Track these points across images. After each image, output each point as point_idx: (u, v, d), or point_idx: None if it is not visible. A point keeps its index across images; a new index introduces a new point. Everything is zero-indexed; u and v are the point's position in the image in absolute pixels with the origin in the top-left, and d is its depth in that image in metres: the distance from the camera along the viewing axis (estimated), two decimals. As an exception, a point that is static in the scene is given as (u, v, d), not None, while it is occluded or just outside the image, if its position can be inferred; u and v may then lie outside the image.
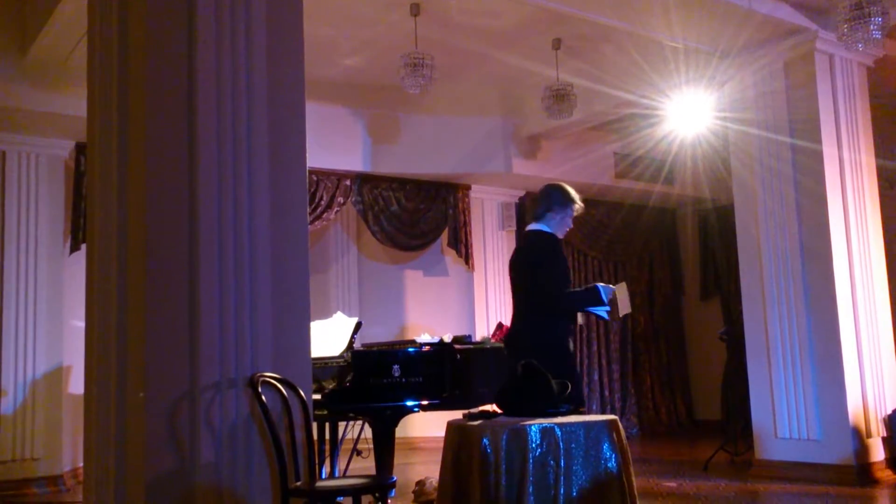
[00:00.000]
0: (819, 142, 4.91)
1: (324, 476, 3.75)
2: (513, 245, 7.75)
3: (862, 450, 4.68)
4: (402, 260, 7.42)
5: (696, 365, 8.76)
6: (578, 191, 3.65)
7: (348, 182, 6.84)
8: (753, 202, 5.17)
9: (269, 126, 2.77)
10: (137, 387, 2.52)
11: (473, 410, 3.02)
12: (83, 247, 5.21)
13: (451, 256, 7.46)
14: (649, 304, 8.61)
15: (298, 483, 2.60)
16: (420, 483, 4.47)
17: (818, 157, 4.91)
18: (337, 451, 4.11)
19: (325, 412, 3.48)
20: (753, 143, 5.20)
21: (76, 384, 5.66)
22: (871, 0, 4.13)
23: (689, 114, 5.96)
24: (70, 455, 5.64)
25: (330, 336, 3.79)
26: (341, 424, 4.13)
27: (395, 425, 3.41)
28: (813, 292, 4.85)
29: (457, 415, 3.03)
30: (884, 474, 4.72)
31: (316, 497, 2.55)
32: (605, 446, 2.68)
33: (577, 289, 3.58)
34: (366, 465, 4.03)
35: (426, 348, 3.56)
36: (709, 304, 8.63)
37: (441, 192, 7.30)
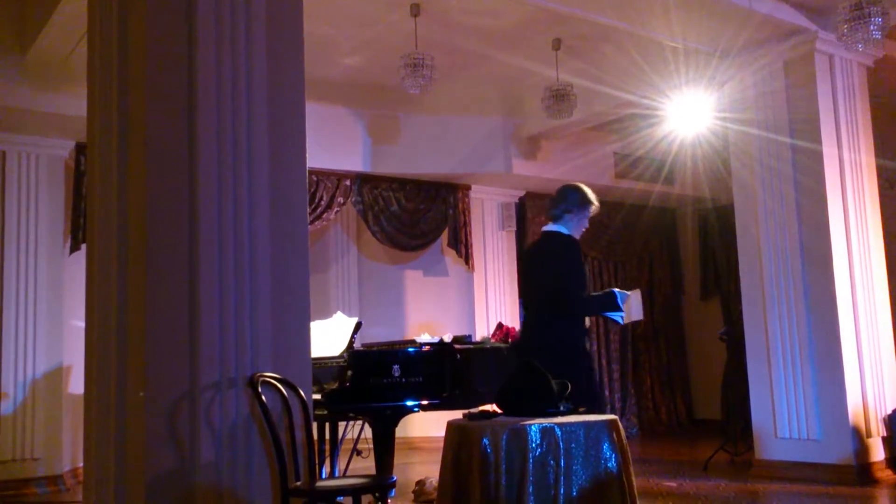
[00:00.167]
0: (819, 142, 4.91)
1: (324, 476, 3.75)
2: (513, 245, 7.76)
3: (862, 450, 4.68)
4: (402, 260, 7.42)
5: (696, 365, 8.76)
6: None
7: (348, 182, 6.84)
8: (753, 202, 5.17)
9: (270, 126, 2.77)
10: (137, 387, 2.52)
11: (473, 410, 3.02)
12: (83, 247, 5.20)
13: (451, 257, 7.46)
14: (649, 304, 8.60)
15: (298, 483, 2.60)
16: (420, 483, 4.48)
17: (818, 158, 4.91)
18: (337, 450, 4.11)
19: (325, 412, 3.48)
20: (753, 143, 5.20)
21: (76, 384, 5.66)
22: (870, 0, 4.13)
23: (689, 114, 5.96)
24: (70, 455, 5.64)
25: (330, 336, 3.79)
26: (341, 424, 4.13)
27: (395, 425, 3.41)
28: (813, 292, 4.85)
29: (457, 415, 3.03)
30: (884, 474, 4.72)
31: (316, 497, 2.55)
32: (605, 446, 2.68)
33: (595, 293, 3.60)
34: (366, 465, 4.03)
35: (426, 348, 3.56)
36: (709, 304, 8.63)
37: (441, 193, 7.30)
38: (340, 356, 3.61)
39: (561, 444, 2.60)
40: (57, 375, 5.58)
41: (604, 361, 8.16)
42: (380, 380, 3.37)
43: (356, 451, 4.31)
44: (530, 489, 2.54)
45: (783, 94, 5.06)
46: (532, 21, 5.38)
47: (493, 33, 5.58)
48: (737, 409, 5.94)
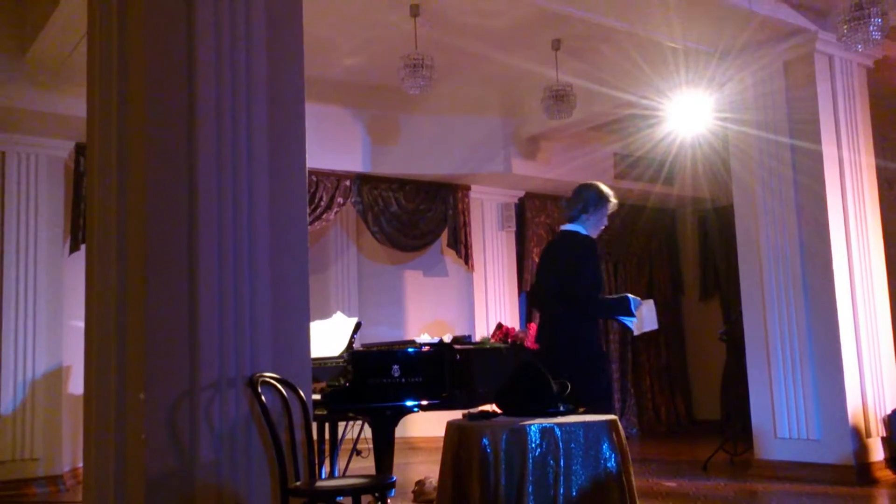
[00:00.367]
0: (819, 142, 4.91)
1: (323, 476, 3.75)
2: (513, 246, 7.76)
3: (861, 449, 4.68)
4: (402, 260, 7.43)
5: (695, 365, 8.76)
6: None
7: (348, 182, 6.84)
8: (753, 203, 5.17)
9: (269, 126, 2.77)
10: (137, 386, 2.52)
11: (473, 410, 3.03)
12: (83, 247, 5.20)
13: (450, 257, 7.46)
14: (649, 305, 8.60)
15: (298, 483, 2.60)
16: (420, 483, 4.48)
17: (818, 158, 4.91)
18: (337, 450, 4.11)
19: (325, 412, 3.48)
20: (753, 143, 5.20)
21: (76, 384, 5.67)
22: (870, 1, 4.13)
23: (689, 114, 5.96)
24: (70, 455, 5.64)
25: (330, 336, 3.79)
26: (341, 424, 4.13)
27: (395, 425, 3.41)
28: (812, 292, 4.86)
29: (456, 415, 3.03)
30: (883, 474, 4.72)
31: (316, 496, 2.55)
32: (605, 446, 2.68)
33: (609, 296, 3.60)
34: (365, 465, 4.03)
35: (426, 348, 3.56)
36: (708, 304, 8.63)
37: (441, 193, 7.30)
38: (340, 356, 3.61)
39: (560, 444, 2.60)
40: (57, 375, 5.58)
41: (603, 362, 8.16)
42: (379, 380, 3.37)
43: (356, 451, 4.31)
44: (530, 489, 2.54)
45: (783, 95, 5.07)
46: (532, 21, 5.38)
47: (492, 34, 5.58)
48: (736, 409, 5.94)
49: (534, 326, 3.93)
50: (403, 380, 3.39)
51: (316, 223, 6.63)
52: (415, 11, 5.10)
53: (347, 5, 5.13)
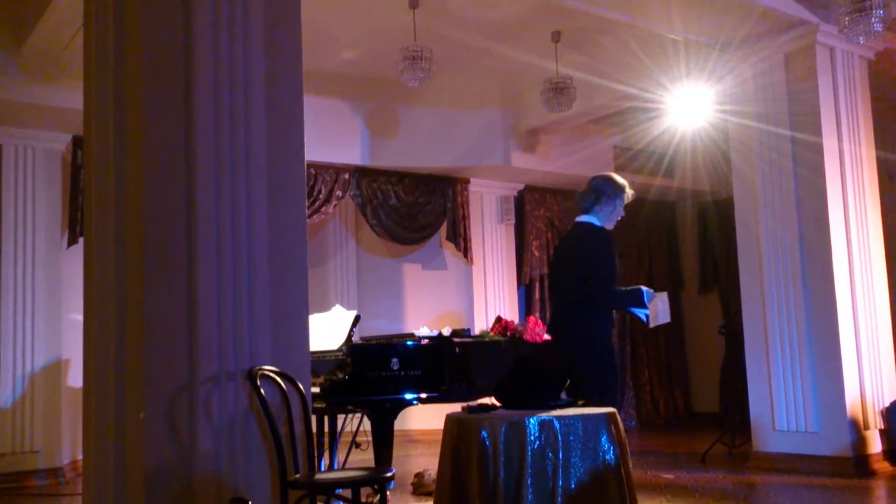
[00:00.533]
0: (819, 135, 4.90)
1: (322, 468, 3.75)
2: (512, 239, 7.75)
3: (859, 442, 4.69)
4: (401, 253, 7.42)
5: (694, 358, 8.78)
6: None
7: (347, 175, 6.83)
8: (753, 195, 5.17)
9: (267, 119, 2.76)
10: (136, 379, 2.52)
11: (472, 403, 3.03)
12: (81, 240, 5.20)
13: (449, 250, 7.46)
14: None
15: (297, 475, 2.60)
16: (419, 475, 4.49)
17: (818, 150, 4.90)
18: (336, 443, 4.11)
19: (324, 405, 3.48)
20: (753, 136, 5.19)
21: (75, 377, 5.67)
22: (871, -8, 4.11)
23: (690, 107, 5.94)
24: (69, 447, 5.65)
25: (329, 329, 3.79)
26: (340, 417, 4.13)
27: (394, 418, 3.42)
28: (812, 285, 4.85)
29: (456, 407, 3.03)
30: (881, 466, 4.74)
31: (315, 489, 2.56)
32: (604, 439, 2.69)
33: (622, 288, 3.59)
34: (365, 458, 4.04)
35: (425, 342, 3.56)
36: (708, 297, 8.63)
37: (440, 186, 7.28)
38: (339, 349, 3.61)
39: (559, 436, 2.60)
40: (56, 368, 5.59)
41: (602, 354, 8.16)
42: (379, 373, 3.38)
43: (355, 444, 4.31)
44: (529, 482, 2.55)
45: (784, 87, 5.05)
46: (531, 13, 5.36)
47: (492, 26, 5.56)
48: (735, 402, 5.95)
49: (533, 319, 3.93)
50: (402, 373, 3.39)
51: (315, 216, 6.62)
52: (414, 3, 5.07)
53: (346, -3, 5.11)
